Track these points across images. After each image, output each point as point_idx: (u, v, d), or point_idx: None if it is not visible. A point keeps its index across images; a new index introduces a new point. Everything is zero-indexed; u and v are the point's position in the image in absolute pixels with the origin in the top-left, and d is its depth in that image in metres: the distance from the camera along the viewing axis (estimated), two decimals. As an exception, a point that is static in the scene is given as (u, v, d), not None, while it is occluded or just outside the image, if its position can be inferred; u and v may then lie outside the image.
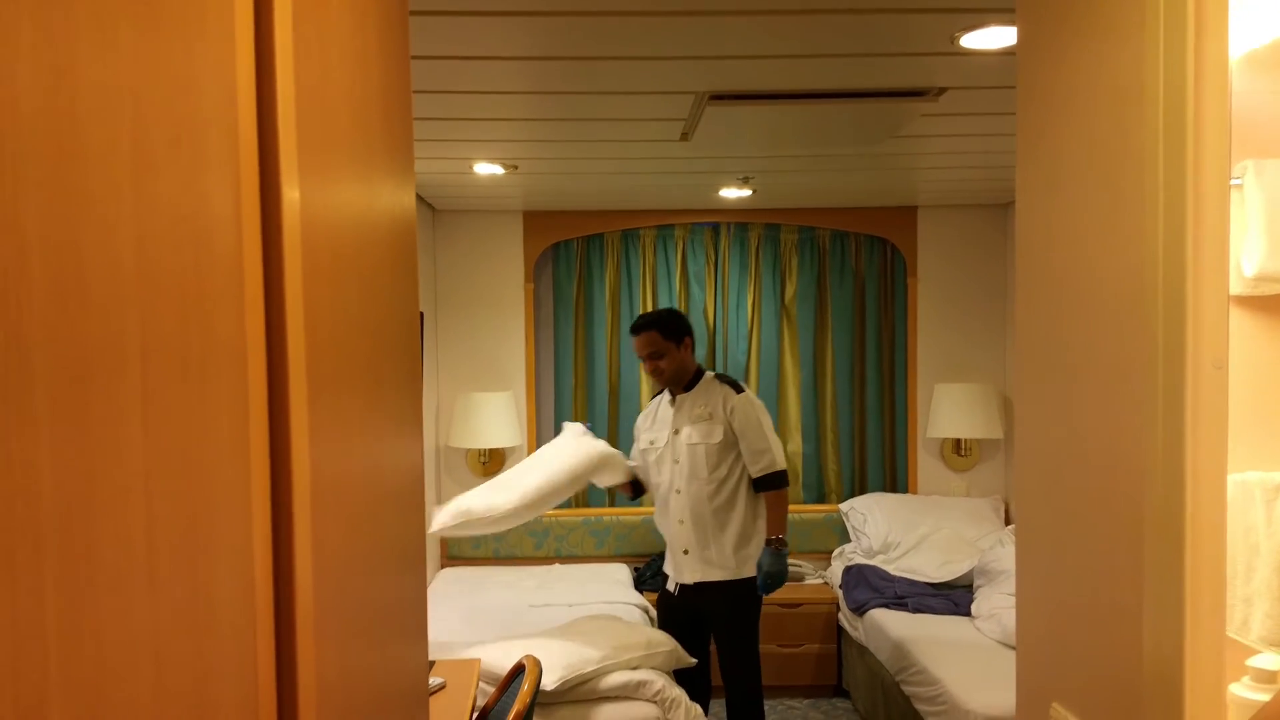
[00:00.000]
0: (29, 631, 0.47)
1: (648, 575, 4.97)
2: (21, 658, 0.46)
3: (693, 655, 3.68)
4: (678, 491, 3.60)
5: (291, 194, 0.81)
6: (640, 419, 3.91)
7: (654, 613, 4.19)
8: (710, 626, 3.71)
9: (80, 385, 0.52)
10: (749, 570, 3.57)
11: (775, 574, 3.56)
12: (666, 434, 3.66)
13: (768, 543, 3.58)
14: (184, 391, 0.64)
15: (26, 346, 0.47)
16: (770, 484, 3.59)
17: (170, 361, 0.63)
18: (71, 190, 0.52)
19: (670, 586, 3.75)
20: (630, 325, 3.73)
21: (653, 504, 3.90)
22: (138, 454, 0.57)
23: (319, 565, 0.83)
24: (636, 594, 4.53)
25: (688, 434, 3.59)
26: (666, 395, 3.75)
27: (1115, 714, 1.30)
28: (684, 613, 3.71)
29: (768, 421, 3.64)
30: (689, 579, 3.63)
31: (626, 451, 5.45)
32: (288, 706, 0.79)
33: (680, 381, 3.65)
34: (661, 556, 5.12)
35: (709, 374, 3.71)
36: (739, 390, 3.64)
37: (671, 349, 3.61)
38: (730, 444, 3.55)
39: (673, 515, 3.63)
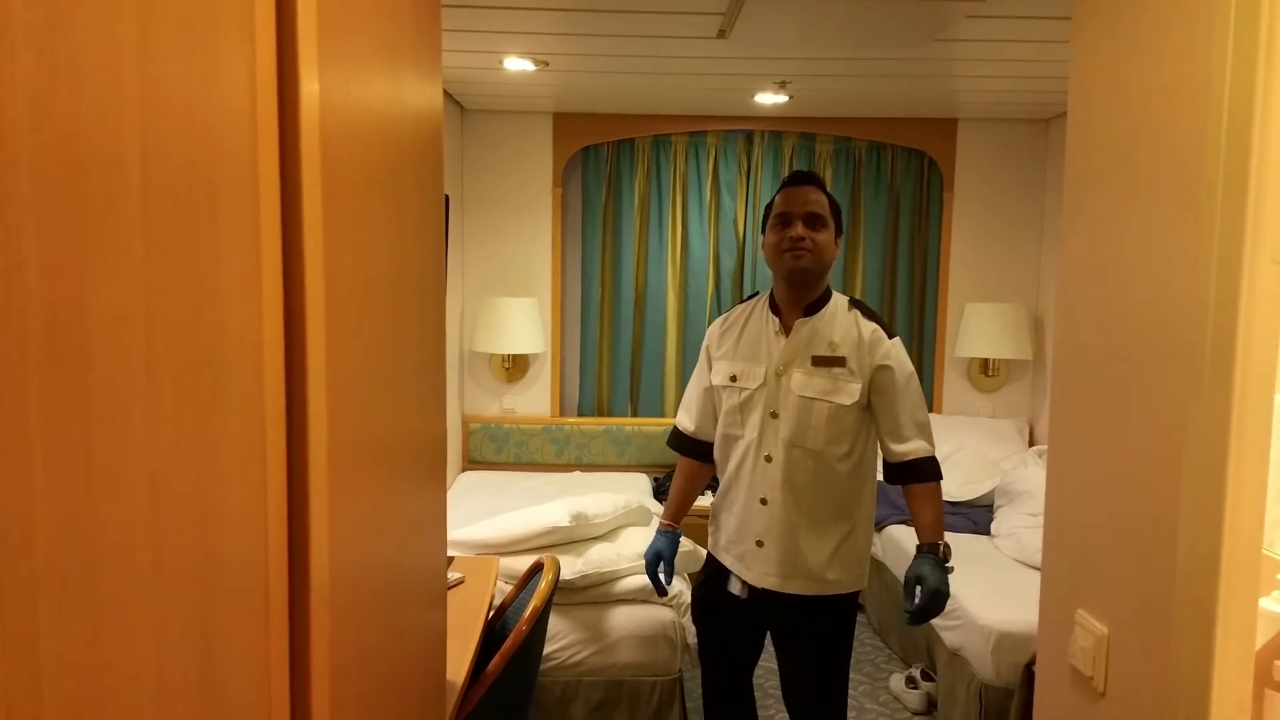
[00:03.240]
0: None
1: (667, 485, 5.00)
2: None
3: (735, 675, 2.63)
4: (767, 459, 2.39)
5: (310, 86, 0.75)
6: (713, 333, 2.60)
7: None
8: (778, 646, 2.57)
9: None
10: (846, 584, 2.43)
11: (941, 596, 2.36)
12: (764, 370, 2.42)
13: (925, 550, 2.40)
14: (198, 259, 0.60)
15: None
16: (922, 473, 2.42)
17: (178, 267, 0.59)
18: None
19: (734, 588, 2.50)
20: (791, 175, 2.49)
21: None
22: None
23: (334, 464, 0.80)
24: (656, 503, 4.55)
25: (802, 381, 2.37)
26: (764, 309, 2.49)
27: (1144, 622, 1.28)
28: (739, 620, 2.55)
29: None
30: (756, 580, 2.44)
31: (657, 371, 5.45)
32: (299, 595, 0.78)
33: (807, 294, 2.44)
34: None
35: (839, 296, 2.49)
36: (891, 334, 2.43)
37: (832, 230, 2.44)
38: (864, 406, 2.40)
39: (753, 489, 2.42)
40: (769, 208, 2.49)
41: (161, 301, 0.56)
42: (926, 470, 2.42)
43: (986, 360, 5.32)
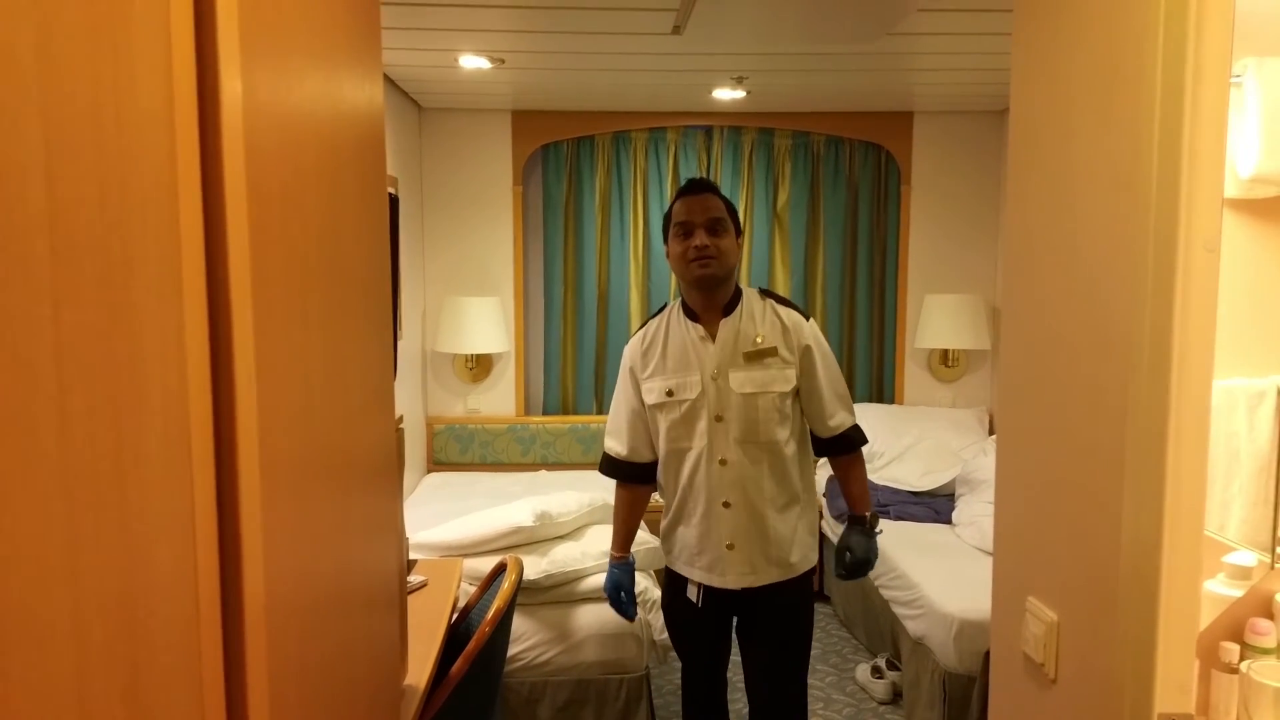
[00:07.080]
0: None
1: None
2: None
3: (713, 674, 2.70)
4: (722, 463, 2.44)
5: (233, 85, 0.73)
6: (634, 354, 2.59)
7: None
8: (744, 636, 2.65)
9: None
10: (806, 562, 2.55)
11: (867, 561, 2.60)
12: (699, 378, 2.46)
13: (855, 520, 2.61)
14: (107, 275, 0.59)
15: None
16: (849, 444, 2.58)
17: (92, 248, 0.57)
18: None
19: (692, 595, 2.57)
20: (687, 183, 2.51)
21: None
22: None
23: (266, 472, 0.79)
24: (621, 499, 4.54)
25: (741, 379, 2.43)
26: (681, 319, 2.53)
27: (1091, 606, 1.30)
28: (712, 626, 2.62)
29: None
30: (734, 584, 2.49)
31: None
32: (233, 610, 0.76)
33: (720, 296, 2.49)
34: None
35: (749, 290, 2.56)
36: (807, 316, 2.55)
37: (733, 233, 2.48)
38: (794, 391, 2.50)
39: (713, 494, 2.46)
40: (668, 217, 2.52)
41: (71, 309, 0.55)
42: (854, 439, 2.59)
43: (946, 351, 5.37)
